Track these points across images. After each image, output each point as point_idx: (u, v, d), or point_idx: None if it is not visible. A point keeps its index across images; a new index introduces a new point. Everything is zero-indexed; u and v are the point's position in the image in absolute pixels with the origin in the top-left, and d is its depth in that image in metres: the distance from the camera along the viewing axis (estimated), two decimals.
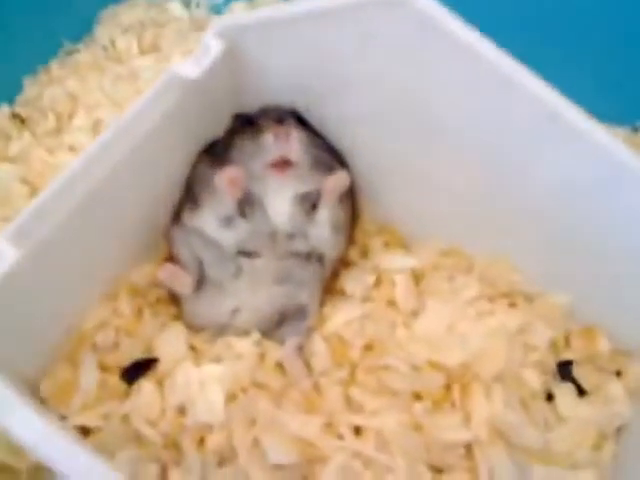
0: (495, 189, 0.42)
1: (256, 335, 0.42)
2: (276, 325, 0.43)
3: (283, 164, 0.41)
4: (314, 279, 0.43)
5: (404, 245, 0.49)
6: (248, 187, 0.41)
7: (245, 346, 0.41)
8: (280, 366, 0.41)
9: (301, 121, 0.43)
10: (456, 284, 0.45)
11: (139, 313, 0.43)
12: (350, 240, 0.48)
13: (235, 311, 0.42)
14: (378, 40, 0.38)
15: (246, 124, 0.42)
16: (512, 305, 0.45)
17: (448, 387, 0.40)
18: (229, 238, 0.41)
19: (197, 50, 0.39)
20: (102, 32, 0.64)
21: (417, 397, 0.40)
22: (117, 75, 0.57)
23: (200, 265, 0.42)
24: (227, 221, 0.41)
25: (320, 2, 0.38)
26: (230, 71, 0.41)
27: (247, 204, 0.41)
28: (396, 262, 0.46)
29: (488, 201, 0.43)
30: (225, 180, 0.40)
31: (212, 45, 0.39)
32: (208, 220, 0.42)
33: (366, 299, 0.45)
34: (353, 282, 0.46)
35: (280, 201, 0.41)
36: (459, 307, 0.44)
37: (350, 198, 0.45)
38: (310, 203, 0.42)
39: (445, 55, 0.36)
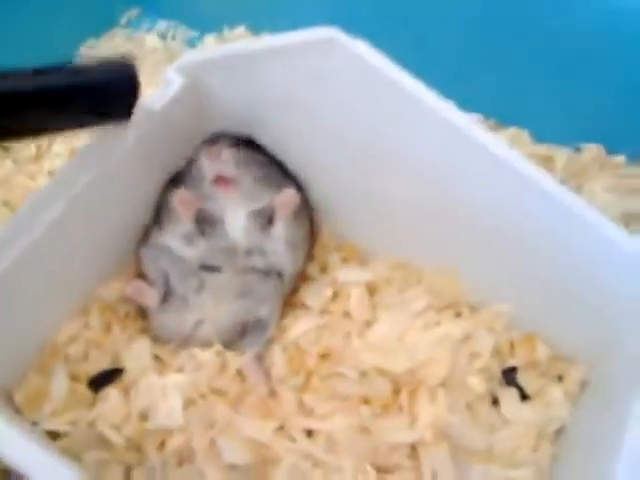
0: (441, 207, 0.45)
1: (218, 346, 0.45)
2: (238, 337, 0.45)
3: (223, 181, 0.44)
4: (274, 294, 0.46)
5: (361, 260, 0.51)
6: (204, 206, 0.44)
7: (206, 356, 0.44)
8: (239, 374, 0.44)
9: (251, 144, 0.47)
10: (406, 296, 0.48)
11: (108, 327, 0.45)
12: (310, 256, 0.51)
13: (198, 323, 0.45)
14: (323, 76, 0.42)
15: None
16: (458, 315, 0.48)
17: (396, 392, 0.43)
18: (191, 254, 0.45)
19: (161, 84, 0.43)
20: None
21: (366, 402, 0.43)
22: None
23: (166, 280, 0.45)
24: (188, 239, 0.45)
25: (272, 40, 0.42)
26: (193, 103, 0.45)
27: (206, 223, 0.45)
28: (352, 276, 0.49)
29: (435, 220, 0.46)
30: (177, 202, 0.44)
31: (174, 79, 0.43)
32: (171, 239, 0.45)
33: (324, 311, 0.48)
34: (312, 295, 0.49)
35: (235, 218, 0.45)
36: (408, 318, 0.47)
37: (306, 215, 0.49)
38: (265, 219, 0.45)
39: (377, 90, 0.40)
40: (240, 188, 0.44)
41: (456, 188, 0.44)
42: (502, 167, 0.39)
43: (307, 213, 0.49)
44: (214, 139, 0.46)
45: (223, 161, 0.44)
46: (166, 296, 0.45)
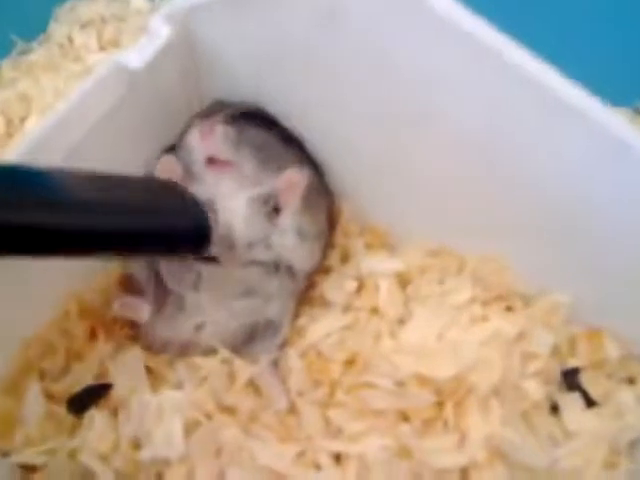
0: (487, 183, 0.38)
1: (224, 352, 0.38)
2: (245, 342, 0.39)
3: (217, 163, 0.37)
4: (283, 292, 0.39)
5: (388, 246, 0.44)
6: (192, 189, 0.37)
7: (211, 365, 0.37)
8: (252, 386, 0.37)
9: (255, 116, 0.39)
10: (446, 287, 0.41)
11: (92, 334, 0.39)
12: (329, 244, 0.43)
13: (199, 327, 0.38)
14: (348, 16, 0.33)
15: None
16: (508, 309, 0.41)
17: (439, 404, 0.36)
18: None
19: (143, 37, 0.35)
20: (58, 29, 0.60)
21: (404, 417, 0.36)
22: (73, 74, 0.53)
23: (156, 279, 0.38)
24: None
25: None
26: (184, 59, 0.37)
27: None
28: (379, 265, 0.42)
29: (480, 196, 0.39)
30: (159, 171, 0.36)
31: (159, 31, 0.35)
32: None
33: (347, 308, 0.41)
34: (333, 289, 0.42)
35: (232, 205, 0.37)
36: (450, 313, 0.40)
37: (322, 200, 0.41)
38: (270, 207, 0.38)
39: (430, 34, 0.32)
40: (239, 171, 0.37)
41: (506, 158, 0.36)
42: (576, 131, 0.31)
43: (323, 197, 0.42)
44: (210, 111, 0.39)
45: (216, 141, 0.37)
46: (158, 298, 0.38)
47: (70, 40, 0.58)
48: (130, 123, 0.36)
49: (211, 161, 0.37)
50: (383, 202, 0.44)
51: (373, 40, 0.34)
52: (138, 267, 0.39)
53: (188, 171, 0.37)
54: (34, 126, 0.33)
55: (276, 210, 0.38)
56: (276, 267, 0.38)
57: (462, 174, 0.39)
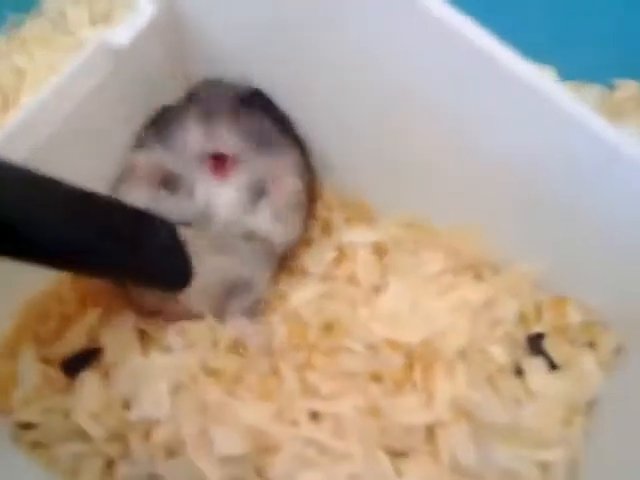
0: (458, 156, 0.39)
1: (210, 320, 0.39)
2: (224, 300, 0.40)
3: (220, 164, 0.38)
4: (259, 255, 0.40)
5: (368, 220, 0.46)
6: (174, 170, 0.38)
7: (198, 329, 0.39)
8: (235, 349, 0.39)
9: (252, 101, 0.39)
10: (420, 258, 0.43)
11: (84, 300, 0.40)
12: (310, 216, 0.45)
13: None
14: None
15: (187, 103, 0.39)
16: (478, 277, 0.43)
17: (409, 367, 0.38)
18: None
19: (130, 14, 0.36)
20: (51, 3, 0.60)
21: (376, 379, 0.38)
22: (66, 48, 0.54)
23: None
24: (152, 200, 0.38)
25: None
26: (167, 36, 0.38)
27: (172, 186, 0.38)
28: (358, 236, 0.43)
29: (454, 168, 0.40)
30: (138, 169, 0.38)
31: (144, 8, 0.36)
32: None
33: (326, 277, 0.43)
34: (313, 260, 0.43)
35: (219, 191, 0.38)
36: (422, 282, 0.42)
37: (304, 180, 0.42)
38: (255, 193, 0.39)
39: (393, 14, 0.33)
40: (237, 166, 0.38)
41: (477, 132, 0.38)
42: (537, 104, 0.33)
43: (306, 176, 0.42)
44: (207, 98, 0.38)
45: (222, 139, 0.37)
46: None
47: (62, 14, 0.59)
48: (116, 101, 0.37)
49: (214, 162, 0.37)
50: (363, 177, 0.45)
51: (355, 22, 0.35)
52: None
53: (172, 153, 0.37)
54: (24, 104, 0.34)
55: (258, 194, 0.39)
56: (250, 236, 0.39)
57: (435, 149, 0.40)
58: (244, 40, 0.40)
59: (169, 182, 0.38)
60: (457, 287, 0.42)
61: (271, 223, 0.40)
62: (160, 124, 0.39)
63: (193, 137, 0.36)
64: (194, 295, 0.38)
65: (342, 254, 0.44)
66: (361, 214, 0.46)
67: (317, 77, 0.41)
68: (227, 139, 0.36)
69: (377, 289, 0.42)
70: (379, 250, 0.44)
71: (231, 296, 0.40)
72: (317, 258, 0.44)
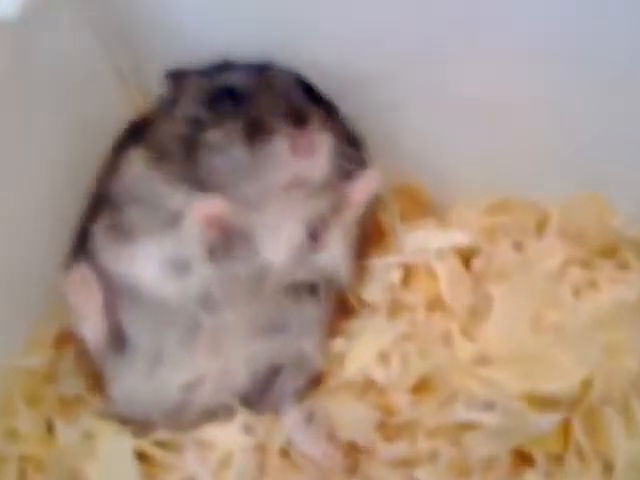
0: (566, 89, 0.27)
1: (243, 414, 0.26)
2: (261, 392, 0.28)
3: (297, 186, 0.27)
4: (310, 313, 0.29)
5: (433, 211, 0.34)
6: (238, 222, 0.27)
7: (229, 439, 0.26)
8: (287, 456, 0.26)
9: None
10: (528, 252, 0.30)
11: (49, 426, 0.27)
12: None
13: (190, 385, 0.26)
14: None
15: (221, 104, 0.27)
16: (622, 265, 0.30)
17: (565, 427, 0.25)
18: (177, 291, 0.27)
19: None
20: None
21: (520, 459, 0.25)
22: None
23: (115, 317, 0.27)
24: (179, 267, 0.27)
25: None
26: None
27: (225, 244, 0.27)
28: (429, 240, 0.30)
29: (556, 112, 0.29)
30: (200, 218, 0.26)
31: None
32: (145, 263, 0.27)
33: (395, 308, 0.30)
34: (369, 286, 0.30)
35: (282, 233, 0.27)
36: (542, 287, 0.29)
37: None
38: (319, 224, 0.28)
39: None
40: (308, 191, 0.27)
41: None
42: None
43: None
44: (298, 108, 0.27)
45: (315, 158, 0.26)
46: (118, 341, 0.27)
47: None
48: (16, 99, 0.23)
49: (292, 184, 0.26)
50: (421, 152, 0.32)
51: None
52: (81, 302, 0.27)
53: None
54: None
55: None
56: (312, 288, 0.28)
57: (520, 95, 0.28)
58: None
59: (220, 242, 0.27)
60: (596, 284, 0.29)
61: (340, 257, 0.29)
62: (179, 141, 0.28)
63: (280, 155, 0.26)
64: (214, 394, 0.27)
65: (411, 269, 0.30)
66: (421, 204, 0.34)
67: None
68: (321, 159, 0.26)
69: (475, 312, 0.29)
70: (464, 253, 0.31)
71: (275, 383, 0.28)
72: (376, 282, 0.30)
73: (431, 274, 0.30)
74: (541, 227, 0.31)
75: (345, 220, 0.29)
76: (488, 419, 0.24)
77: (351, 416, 0.26)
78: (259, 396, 0.28)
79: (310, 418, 0.27)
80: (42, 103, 0.26)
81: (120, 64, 0.30)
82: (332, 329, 0.30)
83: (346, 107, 0.30)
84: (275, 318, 0.28)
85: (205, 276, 0.27)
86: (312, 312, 0.28)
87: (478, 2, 0.27)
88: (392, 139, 0.31)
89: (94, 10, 0.27)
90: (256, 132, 0.26)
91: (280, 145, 0.25)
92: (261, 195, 0.26)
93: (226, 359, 0.27)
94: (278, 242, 0.27)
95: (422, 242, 0.31)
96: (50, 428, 0.27)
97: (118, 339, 0.27)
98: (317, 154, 0.26)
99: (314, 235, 0.28)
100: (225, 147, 0.26)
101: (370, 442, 0.26)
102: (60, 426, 0.26)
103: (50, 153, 0.26)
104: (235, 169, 0.26)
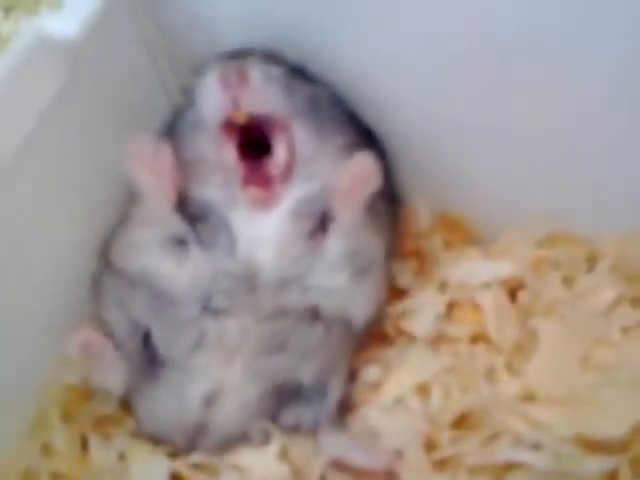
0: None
1: (278, 440, 0.26)
2: (273, 412, 0.27)
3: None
4: (329, 347, 0.27)
5: (477, 242, 0.33)
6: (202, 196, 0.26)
7: (265, 464, 0.25)
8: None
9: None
10: (578, 288, 0.29)
11: (82, 443, 0.27)
12: (396, 253, 0.31)
13: (209, 399, 0.26)
14: None
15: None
16: None
17: (611, 474, 0.24)
18: (181, 277, 0.26)
19: None
20: None
21: None
22: None
23: (145, 337, 0.27)
24: (176, 246, 0.26)
25: None
26: (135, 18, 0.25)
27: (201, 224, 0.26)
28: (474, 272, 0.30)
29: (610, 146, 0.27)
30: (134, 157, 0.25)
31: None
32: (148, 245, 0.27)
33: (438, 341, 0.29)
34: (412, 317, 0.30)
35: (262, 223, 0.26)
36: (592, 324, 0.28)
37: (387, 204, 0.29)
38: (314, 221, 0.26)
39: None
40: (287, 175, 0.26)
41: None
42: None
43: (387, 200, 0.29)
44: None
45: (254, 89, 0.25)
46: (145, 363, 0.27)
47: None
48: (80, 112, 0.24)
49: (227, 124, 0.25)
50: (460, 179, 0.32)
51: None
52: (115, 320, 0.28)
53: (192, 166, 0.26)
54: None
55: (322, 225, 0.26)
56: (314, 314, 0.27)
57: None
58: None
59: (191, 217, 0.26)
60: None
61: (344, 275, 0.27)
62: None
63: (208, 98, 0.25)
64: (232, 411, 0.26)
65: (454, 302, 0.30)
66: (465, 234, 0.33)
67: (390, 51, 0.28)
68: (263, 90, 0.25)
69: (521, 347, 0.28)
70: (511, 286, 0.30)
71: (285, 407, 0.27)
72: (419, 314, 0.30)
73: (475, 306, 0.29)
74: (591, 262, 0.30)
75: (345, 220, 0.26)
76: (536, 460, 0.23)
77: (397, 426, 0.26)
78: (273, 417, 0.27)
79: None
80: (103, 119, 0.27)
81: (167, 82, 0.31)
82: (363, 357, 0.29)
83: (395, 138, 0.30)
84: (276, 337, 0.27)
85: (196, 263, 0.26)
86: (312, 337, 0.27)
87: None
88: (437, 168, 0.31)
89: (147, 28, 0.28)
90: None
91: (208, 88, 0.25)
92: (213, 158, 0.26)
93: (236, 371, 0.26)
94: (262, 233, 0.26)
95: (467, 274, 0.30)
96: (84, 445, 0.27)
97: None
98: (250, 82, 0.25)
99: (313, 234, 0.26)
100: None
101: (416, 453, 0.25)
102: (94, 445, 0.26)
103: (109, 165, 0.27)
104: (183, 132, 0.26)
